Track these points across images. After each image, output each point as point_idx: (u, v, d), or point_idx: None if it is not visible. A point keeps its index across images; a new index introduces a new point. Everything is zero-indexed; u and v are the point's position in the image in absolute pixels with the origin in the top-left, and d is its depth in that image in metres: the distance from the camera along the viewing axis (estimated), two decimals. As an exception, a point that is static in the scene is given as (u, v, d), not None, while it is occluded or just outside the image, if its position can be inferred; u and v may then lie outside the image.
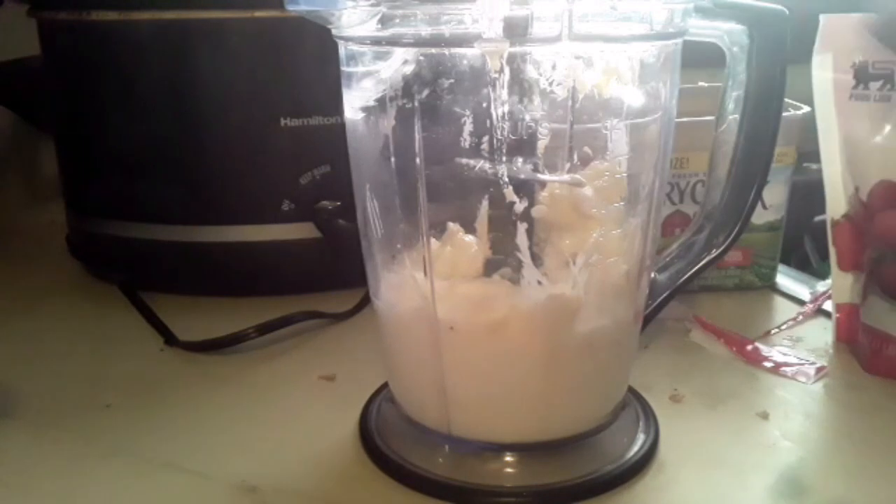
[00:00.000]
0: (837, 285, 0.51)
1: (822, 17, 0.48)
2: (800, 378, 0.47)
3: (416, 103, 0.33)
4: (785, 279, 0.61)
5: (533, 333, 0.35)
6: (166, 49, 0.55)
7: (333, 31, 0.36)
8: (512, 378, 0.36)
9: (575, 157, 0.35)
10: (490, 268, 0.37)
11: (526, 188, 0.34)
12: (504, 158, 0.33)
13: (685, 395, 0.45)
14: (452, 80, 0.33)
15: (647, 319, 0.41)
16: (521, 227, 0.34)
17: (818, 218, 0.74)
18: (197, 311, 0.56)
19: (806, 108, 0.57)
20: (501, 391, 0.37)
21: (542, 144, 0.34)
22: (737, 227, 0.41)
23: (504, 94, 0.33)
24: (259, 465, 0.39)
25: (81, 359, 0.50)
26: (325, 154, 0.56)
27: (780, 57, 0.38)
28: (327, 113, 0.55)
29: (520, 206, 0.34)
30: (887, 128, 0.46)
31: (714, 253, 0.41)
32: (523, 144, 0.34)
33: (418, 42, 0.33)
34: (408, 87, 0.33)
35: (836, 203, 0.50)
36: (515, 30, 0.31)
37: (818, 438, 0.42)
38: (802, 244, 0.82)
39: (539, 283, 0.35)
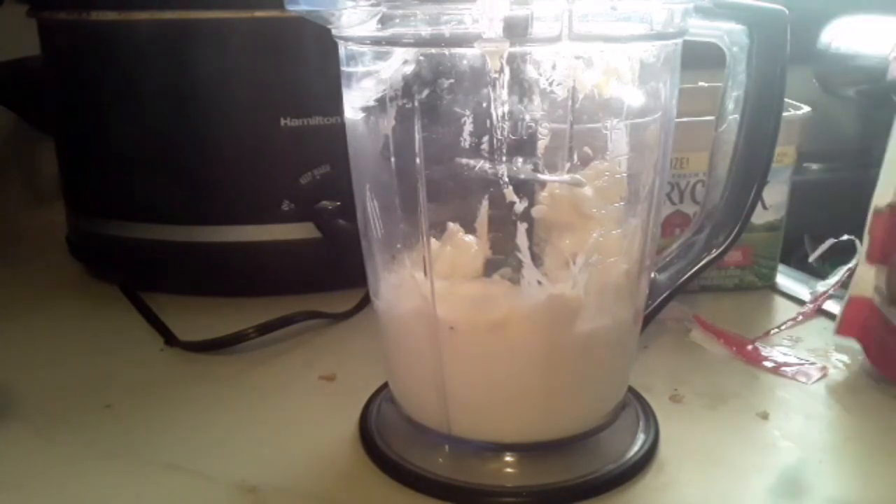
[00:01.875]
0: (859, 276, 0.49)
1: None
2: (800, 378, 0.47)
3: (416, 103, 0.33)
4: (785, 279, 0.60)
5: (533, 333, 0.35)
6: (166, 49, 0.55)
7: (333, 31, 0.36)
8: (512, 378, 0.36)
9: (575, 157, 0.35)
10: (490, 268, 0.37)
11: (526, 188, 0.34)
12: (504, 158, 0.33)
13: (685, 395, 0.45)
14: (452, 80, 0.33)
15: (647, 319, 0.41)
16: (521, 227, 0.34)
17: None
18: (197, 311, 0.56)
19: (806, 109, 0.57)
20: (501, 391, 0.37)
21: (542, 144, 0.34)
22: (737, 227, 0.41)
23: (504, 94, 0.33)
24: (259, 465, 0.39)
25: (81, 359, 0.50)
26: (325, 154, 0.56)
27: (781, 57, 0.38)
28: (327, 113, 0.55)
29: (520, 206, 0.34)
30: None
31: (714, 253, 0.41)
32: (523, 144, 0.34)
33: (418, 42, 0.33)
34: (408, 87, 0.33)
35: (886, 191, 0.48)
36: (515, 30, 0.31)
37: (818, 438, 0.42)
38: (802, 244, 0.82)
39: (539, 283, 0.35)
